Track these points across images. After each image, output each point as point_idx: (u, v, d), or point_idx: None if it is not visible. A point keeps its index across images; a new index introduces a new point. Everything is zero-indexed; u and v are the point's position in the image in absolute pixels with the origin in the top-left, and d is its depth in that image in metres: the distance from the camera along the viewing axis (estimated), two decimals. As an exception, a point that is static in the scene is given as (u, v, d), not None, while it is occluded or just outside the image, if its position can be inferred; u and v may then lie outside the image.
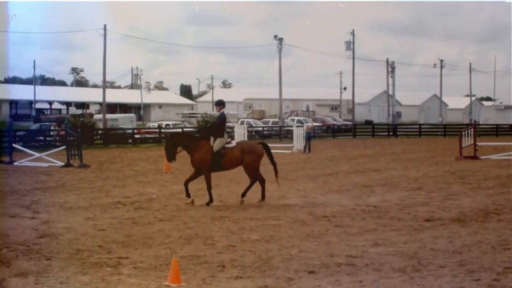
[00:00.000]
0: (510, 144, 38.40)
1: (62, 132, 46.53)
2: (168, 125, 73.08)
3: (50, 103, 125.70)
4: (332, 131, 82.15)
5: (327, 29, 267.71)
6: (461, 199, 20.40)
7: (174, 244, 13.45)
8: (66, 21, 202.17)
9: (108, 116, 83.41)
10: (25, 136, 54.12)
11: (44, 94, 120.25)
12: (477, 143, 38.39)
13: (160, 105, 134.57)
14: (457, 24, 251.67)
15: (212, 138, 19.56)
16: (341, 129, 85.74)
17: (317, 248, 12.98)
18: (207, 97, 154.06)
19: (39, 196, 21.26)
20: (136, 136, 61.64)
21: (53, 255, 12.37)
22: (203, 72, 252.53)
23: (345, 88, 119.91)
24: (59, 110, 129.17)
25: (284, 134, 70.76)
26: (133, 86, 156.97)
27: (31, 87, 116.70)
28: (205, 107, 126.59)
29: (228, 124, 75.22)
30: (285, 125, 79.36)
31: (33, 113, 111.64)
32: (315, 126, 69.88)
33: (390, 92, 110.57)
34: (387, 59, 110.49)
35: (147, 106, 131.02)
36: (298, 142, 48.69)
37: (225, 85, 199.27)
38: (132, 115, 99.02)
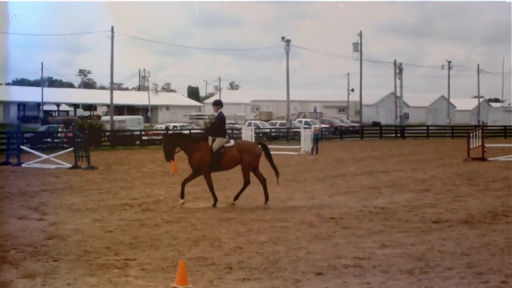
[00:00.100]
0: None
1: (70, 134, 46.62)
2: (176, 126, 73.09)
3: (58, 105, 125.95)
4: (339, 132, 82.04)
5: (334, 31, 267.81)
6: (469, 201, 20.35)
7: (181, 245, 13.44)
8: (74, 23, 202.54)
9: (116, 117, 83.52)
10: (33, 138, 54.22)
11: (52, 96, 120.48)
12: (485, 145, 38.34)
13: (167, 107, 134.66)
14: (465, 25, 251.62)
15: (210, 138, 19.46)
16: (349, 131, 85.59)
17: (324, 250, 12.96)
18: (214, 99, 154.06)
19: (47, 198, 21.29)
20: (144, 137, 61.67)
21: (60, 256, 12.37)
22: (211, 73, 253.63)
23: (352, 90, 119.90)
24: (67, 112, 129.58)
25: (292, 136, 70.75)
26: (140, 88, 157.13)
27: (38, 89, 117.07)
28: (212, 109, 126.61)
29: (236, 125, 75.64)
30: (293, 126, 79.38)
31: (41, 115, 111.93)
32: (322, 127, 69.85)
33: (398, 94, 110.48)
34: (395, 60, 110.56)
35: (155, 108, 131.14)
36: (306, 143, 48.67)
37: (233, 86, 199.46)
38: (140, 117, 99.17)
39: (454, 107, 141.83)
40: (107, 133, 63.14)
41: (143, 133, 64.59)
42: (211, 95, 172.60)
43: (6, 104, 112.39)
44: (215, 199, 19.29)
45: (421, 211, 18.12)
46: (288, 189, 23.75)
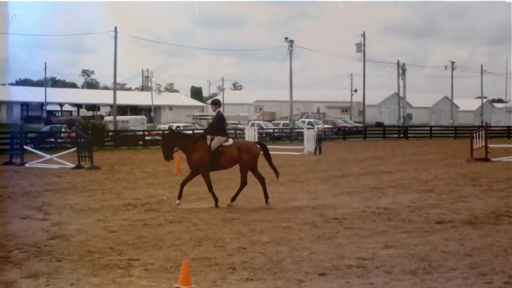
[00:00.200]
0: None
1: (73, 134, 46.68)
2: (179, 127, 73.13)
3: (61, 105, 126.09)
4: (342, 133, 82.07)
5: (337, 31, 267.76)
6: (472, 202, 20.34)
7: (184, 246, 13.44)
8: (77, 24, 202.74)
9: (119, 118, 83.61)
10: (36, 138, 54.27)
11: (55, 96, 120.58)
12: (489, 145, 38.30)
13: (170, 107, 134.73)
14: (468, 26, 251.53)
15: (209, 138, 19.41)
16: (352, 131, 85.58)
17: (327, 250, 12.96)
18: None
19: (50, 198, 21.31)
20: (147, 138, 61.70)
21: (64, 256, 12.38)
22: (214, 74, 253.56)
23: (355, 90, 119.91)
24: (70, 112, 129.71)
25: (295, 136, 70.81)
26: (143, 88, 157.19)
27: (42, 89, 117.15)
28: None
29: (239, 126, 75.60)
30: (296, 127, 79.36)
31: (44, 115, 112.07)
32: (325, 128, 69.81)
33: (401, 94, 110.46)
34: (398, 61, 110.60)
35: (158, 108, 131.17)
36: (309, 144, 48.67)
37: (236, 87, 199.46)
38: (143, 117, 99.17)
39: (458, 107, 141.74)
40: (110, 133, 63.18)
41: (146, 133, 64.63)
42: (214, 95, 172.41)
43: (9, 104, 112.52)
44: (216, 199, 19.29)
45: (424, 212, 18.11)
46: (291, 189, 23.75)
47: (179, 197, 19.23)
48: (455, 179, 27.54)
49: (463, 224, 16.09)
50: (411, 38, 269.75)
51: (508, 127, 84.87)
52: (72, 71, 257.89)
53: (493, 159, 37.20)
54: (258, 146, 20.48)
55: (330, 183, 25.90)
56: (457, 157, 41.40)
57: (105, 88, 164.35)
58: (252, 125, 70.35)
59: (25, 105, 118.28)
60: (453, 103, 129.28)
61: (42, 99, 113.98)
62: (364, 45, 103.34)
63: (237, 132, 67.20)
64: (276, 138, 71.72)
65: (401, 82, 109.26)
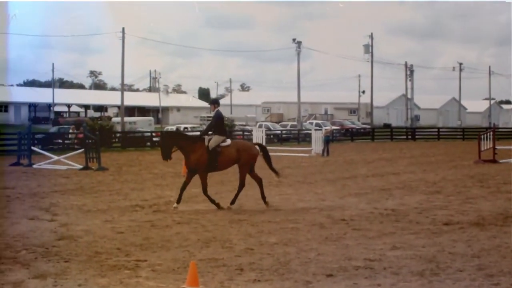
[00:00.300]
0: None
1: (81, 135, 46.69)
2: (186, 128, 73.20)
3: (69, 106, 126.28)
4: (350, 134, 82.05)
5: (345, 32, 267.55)
6: (480, 203, 20.30)
7: (192, 247, 13.45)
8: (84, 25, 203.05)
9: (126, 119, 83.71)
10: (44, 139, 54.35)
11: (63, 97, 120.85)
12: (496, 147, 38.24)
13: (178, 108, 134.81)
14: (476, 27, 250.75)
15: (207, 138, 19.32)
16: (360, 133, 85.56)
17: (335, 252, 12.95)
18: (225, 100, 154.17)
19: (58, 199, 21.35)
20: (154, 139, 61.70)
21: (71, 257, 12.40)
22: (222, 75, 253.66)
23: (363, 92, 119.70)
24: (78, 113, 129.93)
25: (303, 138, 70.80)
26: (151, 89, 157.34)
27: (49, 90, 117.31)
28: (223, 111, 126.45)
29: (247, 127, 75.63)
30: (304, 128, 79.33)
31: (52, 116, 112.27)
32: (333, 129, 69.80)
33: (409, 96, 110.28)
34: (406, 62, 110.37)
35: (165, 109, 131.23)
36: (317, 145, 48.67)
37: (244, 88, 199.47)
38: (150, 118, 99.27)
39: (465, 109, 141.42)
40: (118, 134, 63.29)
41: (153, 134, 64.66)
42: (222, 96, 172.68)
43: (17, 105, 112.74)
44: (213, 201, 19.07)
45: (432, 213, 18.08)
46: (299, 190, 23.74)
47: (178, 201, 19.00)
48: (462, 180, 27.50)
49: (471, 226, 16.05)
50: (419, 39, 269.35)
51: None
52: (80, 72, 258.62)
53: (501, 161, 37.12)
54: (257, 147, 20.34)
55: (337, 185, 25.88)
56: (465, 158, 41.32)
57: (113, 89, 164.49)
58: (260, 126, 70.51)
59: (32, 106, 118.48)
60: (461, 105, 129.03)
61: (49, 100, 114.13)
62: (372, 46, 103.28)
63: (245, 133, 67.22)
64: (284, 139, 71.73)
65: (409, 83, 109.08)
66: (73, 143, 53.83)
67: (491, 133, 38.92)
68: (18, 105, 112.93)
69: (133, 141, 61.17)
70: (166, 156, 19.55)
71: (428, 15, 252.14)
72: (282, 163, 38.34)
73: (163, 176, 29.57)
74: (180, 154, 19.62)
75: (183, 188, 19.21)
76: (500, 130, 75.67)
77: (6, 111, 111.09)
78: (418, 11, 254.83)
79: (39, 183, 26.56)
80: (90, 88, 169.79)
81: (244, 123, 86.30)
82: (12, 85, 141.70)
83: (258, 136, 50.54)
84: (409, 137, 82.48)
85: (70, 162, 34.52)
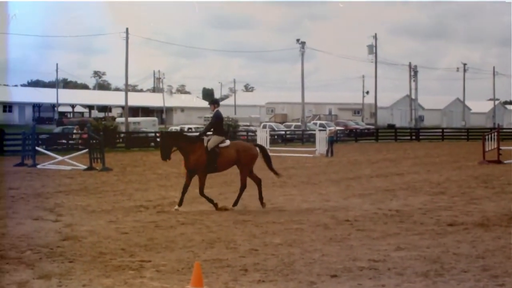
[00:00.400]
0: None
1: (85, 135, 46.82)
2: (190, 128, 73.22)
3: (73, 106, 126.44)
4: (354, 135, 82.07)
5: (349, 33, 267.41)
6: (485, 204, 20.28)
7: (196, 247, 13.45)
8: (88, 25, 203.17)
9: (130, 119, 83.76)
10: (48, 139, 54.49)
11: (67, 97, 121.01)
12: (501, 147, 38.18)
13: (182, 109, 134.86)
14: (480, 27, 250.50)
15: (206, 139, 19.25)
16: (364, 133, 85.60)
17: (339, 252, 12.94)
18: (229, 101, 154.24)
19: (62, 199, 21.37)
20: (158, 139, 61.69)
21: (76, 257, 12.41)
22: (225, 75, 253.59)
23: (367, 92, 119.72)
24: (82, 113, 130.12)
25: (307, 138, 70.86)
26: (155, 89, 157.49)
27: (53, 90, 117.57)
28: (227, 111, 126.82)
29: (251, 127, 75.61)
30: (308, 129, 79.32)
31: (56, 116, 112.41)
32: (337, 130, 69.78)
33: (413, 96, 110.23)
34: (410, 63, 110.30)
35: (169, 110, 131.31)
36: (321, 146, 48.68)
37: (247, 88, 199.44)
38: (154, 118, 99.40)
39: (470, 109, 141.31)
40: (122, 135, 63.34)
41: (157, 134, 64.66)
42: (226, 97, 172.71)
43: (21, 106, 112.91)
44: (211, 201, 18.98)
45: (436, 214, 18.07)
46: (303, 191, 23.74)
47: (180, 204, 18.91)
48: (467, 181, 27.48)
49: (475, 226, 16.04)
50: (423, 39, 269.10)
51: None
52: (84, 72, 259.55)
53: (505, 161, 37.05)
54: (256, 148, 20.26)
55: (341, 185, 25.87)
56: (469, 159, 41.29)
57: (117, 89, 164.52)
58: (264, 127, 70.42)
59: (37, 106, 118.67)
60: (465, 105, 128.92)
61: (53, 100, 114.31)
62: (375, 46, 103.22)
63: (249, 133, 67.23)
64: (288, 140, 71.82)
65: (413, 84, 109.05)
66: (77, 144, 53.98)
67: (496, 133, 38.89)
68: (22, 105, 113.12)
69: (137, 141, 61.22)
70: (165, 156, 19.49)
71: (431, 16, 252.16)
72: (286, 163, 38.36)
73: (167, 176, 29.57)
74: (181, 154, 19.58)
75: (184, 191, 19.12)
76: (504, 130, 75.69)
77: (10, 111, 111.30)
78: (422, 12, 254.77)
79: (44, 183, 26.59)
80: (94, 88, 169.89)
81: (248, 124, 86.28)
82: (16, 86, 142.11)
83: (262, 137, 50.57)
84: (413, 137, 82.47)
85: (74, 163, 34.56)
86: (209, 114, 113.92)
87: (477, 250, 13.13)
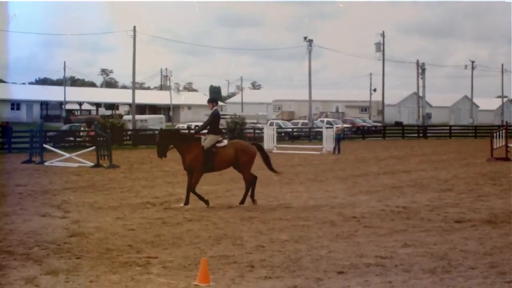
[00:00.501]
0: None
1: (92, 133, 46.89)
2: (197, 126, 73.14)
3: (80, 104, 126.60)
4: (361, 132, 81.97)
5: (356, 31, 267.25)
6: (492, 201, 20.24)
7: (203, 244, 13.46)
8: (95, 23, 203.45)
9: (138, 117, 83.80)
10: (56, 137, 54.62)
11: (74, 95, 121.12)
12: (509, 145, 38.13)
13: (189, 106, 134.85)
14: (488, 25, 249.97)
15: (203, 138, 19.16)
16: (371, 131, 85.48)
17: (346, 249, 12.93)
18: (236, 98, 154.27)
19: (70, 196, 21.40)
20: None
21: (83, 254, 12.43)
22: (233, 73, 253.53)
23: (375, 90, 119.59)
24: (89, 111, 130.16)
25: (314, 136, 70.80)
26: (162, 87, 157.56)
27: (61, 88, 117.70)
28: (234, 108, 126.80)
29: (258, 125, 75.60)
30: (315, 126, 79.25)
31: (63, 114, 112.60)
32: (344, 127, 69.72)
33: (420, 94, 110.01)
34: (417, 60, 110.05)
35: (176, 107, 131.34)
36: (328, 143, 48.63)
37: (255, 86, 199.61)
38: (162, 116, 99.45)
39: (477, 107, 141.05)
40: (129, 132, 63.36)
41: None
42: (233, 94, 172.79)
43: (29, 103, 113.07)
44: (201, 199, 18.88)
45: (444, 211, 18.04)
46: (310, 188, 23.72)
47: (186, 203, 18.88)
48: (474, 178, 27.42)
49: (483, 223, 16.01)
50: (431, 37, 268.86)
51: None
52: (91, 70, 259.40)
53: (513, 159, 36.97)
54: (254, 146, 20.07)
55: (348, 182, 25.85)
56: (477, 156, 41.22)
57: (124, 87, 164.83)
58: (271, 124, 70.33)
59: (44, 104, 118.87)
60: (473, 103, 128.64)
61: (61, 98, 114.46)
62: (383, 44, 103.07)
63: (256, 131, 67.22)
64: (295, 137, 71.75)
65: (420, 81, 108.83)
66: (85, 141, 54.03)
67: (504, 131, 38.80)
68: (30, 103, 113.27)
69: (144, 139, 61.22)
70: (161, 154, 19.45)
71: (440, 13, 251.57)
72: (293, 161, 38.40)
73: (174, 173, 29.56)
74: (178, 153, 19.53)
75: (188, 190, 19.11)
76: (512, 128, 75.30)
77: (18, 109, 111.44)
78: (430, 9, 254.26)
79: (51, 180, 26.64)
80: (102, 86, 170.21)
81: (255, 121, 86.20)
82: (24, 84, 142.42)
83: (269, 134, 50.61)
84: (421, 135, 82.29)
85: (81, 160, 34.60)
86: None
87: (485, 247, 13.11)
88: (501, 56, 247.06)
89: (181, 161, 19.39)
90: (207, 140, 18.94)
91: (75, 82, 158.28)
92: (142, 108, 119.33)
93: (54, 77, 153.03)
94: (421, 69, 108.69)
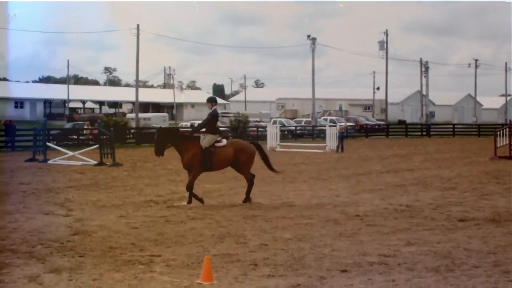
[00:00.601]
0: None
1: (95, 131, 46.85)
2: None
3: (83, 102, 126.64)
4: (365, 131, 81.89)
5: (360, 29, 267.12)
6: (496, 199, 20.21)
7: (206, 242, 13.45)
8: (99, 21, 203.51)
9: (141, 115, 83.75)
10: (59, 135, 54.60)
11: (78, 93, 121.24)
12: (512, 143, 38.03)
13: (192, 105, 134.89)
14: (492, 23, 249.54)
15: (202, 137, 19.14)
16: (374, 129, 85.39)
17: (349, 247, 12.92)
18: (239, 97, 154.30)
19: (73, 194, 21.41)
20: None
21: (86, 252, 12.44)
22: (236, 71, 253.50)
23: (378, 88, 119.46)
24: (92, 109, 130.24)
25: (317, 134, 70.67)
26: (165, 85, 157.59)
27: (64, 86, 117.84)
28: (237, 107, 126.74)
29: (261, 123, 75.60)
30: (318, 124, 79.20)
31: (67, 112, 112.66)
32: (348, 125, 69.68)
33: (424, 92, 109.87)
34: (421, 58, 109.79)
35: (180, 105, 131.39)
36: (331, 141, 48.59)
37: (258, 84, 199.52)
38: (165, 114, 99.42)
39: (481, 105, 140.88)
40: (132, 131, 63.34)
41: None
42: (236, 93, 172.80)
43: (32, 102, 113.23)
44: (191, 197, 18.83)
45: (447, 209, 18.02)
46: (313, 187, 23.71)
47: (189, 201, 18.86)
48: (478, 177, 27.39)
49: (486, 222, 15.99)
50: (434, 35, 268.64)
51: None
52: (95, 68, 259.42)
53: (516, 157, 36.91)
54: (253, 145, 20.01)
55: (352, 181, 25.83)
56: (481, 155, 41.17)
57: (127, 85, 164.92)
58: (274, 122, 70.33)
59: (48, 102, 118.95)
60: (477, 101, 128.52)
61: (64, 96, 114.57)
62: (386, 43, 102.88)
63: (259, 129, 67.21)
64: (298, 135, 71.72)
65: (423, 80, 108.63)
66: (88, 139, 54.08)
67: (507, 129, 38.74)
68: (33, 101, 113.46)
69: (148, 137, 60.99)
70: (158, 152, 19.47)
71: (443, 12, 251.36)
72: (297, 159, 38.38)
73: (177, 171, 29.51)
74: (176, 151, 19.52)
75: (191, 188, 19.13)
76: (515, 126, 75.15)
77: (22, 107, 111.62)
78: (433, 8, 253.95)
79: (54, 178, 26.65)
80: (105, 84, 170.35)
81: (258, 120, 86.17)
82: (27, 82, 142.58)
83: (273, 133, 50.59)
84: (424, 133, 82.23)
85: (84, 158, 34.61)
86: (220, 110, 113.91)
87: (488, 246, 13.09)
88: (505, 54, 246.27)
89: (180, 160, 19.40)
90: (205, 140, 18.92)
91: (78, 80, 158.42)
92: (146, 106, 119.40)
93: (58, 76, 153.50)
94: (425, 67, 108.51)
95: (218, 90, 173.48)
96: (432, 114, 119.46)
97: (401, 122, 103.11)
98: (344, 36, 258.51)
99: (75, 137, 55.79)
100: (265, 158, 20.04)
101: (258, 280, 10.49)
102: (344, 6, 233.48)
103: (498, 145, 38.05)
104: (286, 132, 68.87)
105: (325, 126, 58.94)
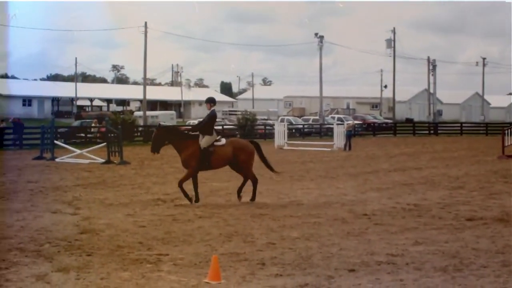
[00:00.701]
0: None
1: (103, 129, 46.94)
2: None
3: (91, 100, 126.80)
4: (372, 129, 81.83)
5: (368, 27, 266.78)
6: (504, 198, 20.14)
7: (214, 241, 13.44)
8: (107, 19, 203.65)
9: (149, 113, 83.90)
10: (67, 133, 54.74)
11: (85, 91, 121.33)
12: (520, 142, 37.95)
13: (200, 102, 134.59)
14: (500, 22, 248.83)
15: (200, 136, 19.10)
16: (382, 127, 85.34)
17: (357, 246, 12.90)
18: (247, 95, 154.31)
19: (80, 192, 21.43)
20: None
21: (94, 251, 12.44)
22: (244, 69, 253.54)
23: (385, 86, 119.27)
24: (100, 107, 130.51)
25: (325, 132, 70.71)
26: (173, 83, 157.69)
27: (72, 84, 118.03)
28: (245, 105, 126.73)
29: (268, 121, 75.56)
30: (326, 122, 79.19)
31: (74, 110, 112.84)
32: (355, 124, 69.62)
33: (431, 90, 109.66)
34: (428, 57, 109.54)
35: (187, 103, 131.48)
36: (339, 140, 48.56)
37: (265, 82, 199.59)
38: (173, 112, 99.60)
39: (489, 104, 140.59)
40: (140, 128, 63.41)
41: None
42: (244, 90, 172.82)
43: (40, 99, 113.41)
44: (186, 195, 18.78)
45: (455, 209, 17.97)
46: (321, 185, 23.68)
47: (196, 200, 18.82)
48: (486, 176, 27.31)
49: (495, 221, 15.93)
50: (442, 34, 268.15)
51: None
52: (102, 66, 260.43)
53: (525, 156, 36.82)
54: (251, 144, 19.92)
55: (359, 179, 25.79)
56: (488, 154, 41.07)
57: (135, 83, 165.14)
58: (282, 120, 70.35)
59: (55, 100, 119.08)
60: (484, 100, 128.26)
61: (72, 94, 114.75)
62: (394, 41, 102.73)
63: (267, 127, 67.22)
64: (305, 134, 71.74)
65: (431, 78, 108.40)
66: (96, 137, 54.16)
67: (515, 128, 38.64)
68: (41, 99, 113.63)
69: (155, 135, 61.22)
70: (155, 149, 19.46)
71: (451, 10, 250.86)
72: (304, 157, 38.35)
73: (185, 170, 29.53)
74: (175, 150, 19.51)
75: (195, 186, 19.07)
76: (523, 125, 75.05)
77: (29, 105, 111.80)
78: (441, 6, 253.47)
79: (62, 176, 26.68)
80: (113, 82, 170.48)
81: (266, 118, 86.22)
82: (35, 80, 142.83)
83: (280, 131, 50.58)
84: (432, 132, 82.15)
85: (92, 156, 34.66)
86: (227, 108, 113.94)
87: (497, 245, 13.05)
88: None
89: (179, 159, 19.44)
90: (203, 141, 18.89)
91: (86, 78, 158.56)
92: (153, 104, 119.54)
93: (66, 73, 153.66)
94: (432, 65, 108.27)
95: (226, 88, 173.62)
96: (439, 113, 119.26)
97: (409, 121, 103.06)
98: (351, 34, 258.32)
99: (82, 135, 55.90)
100: (263, 158, 20.00)
101: (266, 279, 10.48)
102: (351, 4, 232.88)
103: (506, 144, 37.95)
104: (293, 130, 68.87)
105: (332, 124, 58.94)
